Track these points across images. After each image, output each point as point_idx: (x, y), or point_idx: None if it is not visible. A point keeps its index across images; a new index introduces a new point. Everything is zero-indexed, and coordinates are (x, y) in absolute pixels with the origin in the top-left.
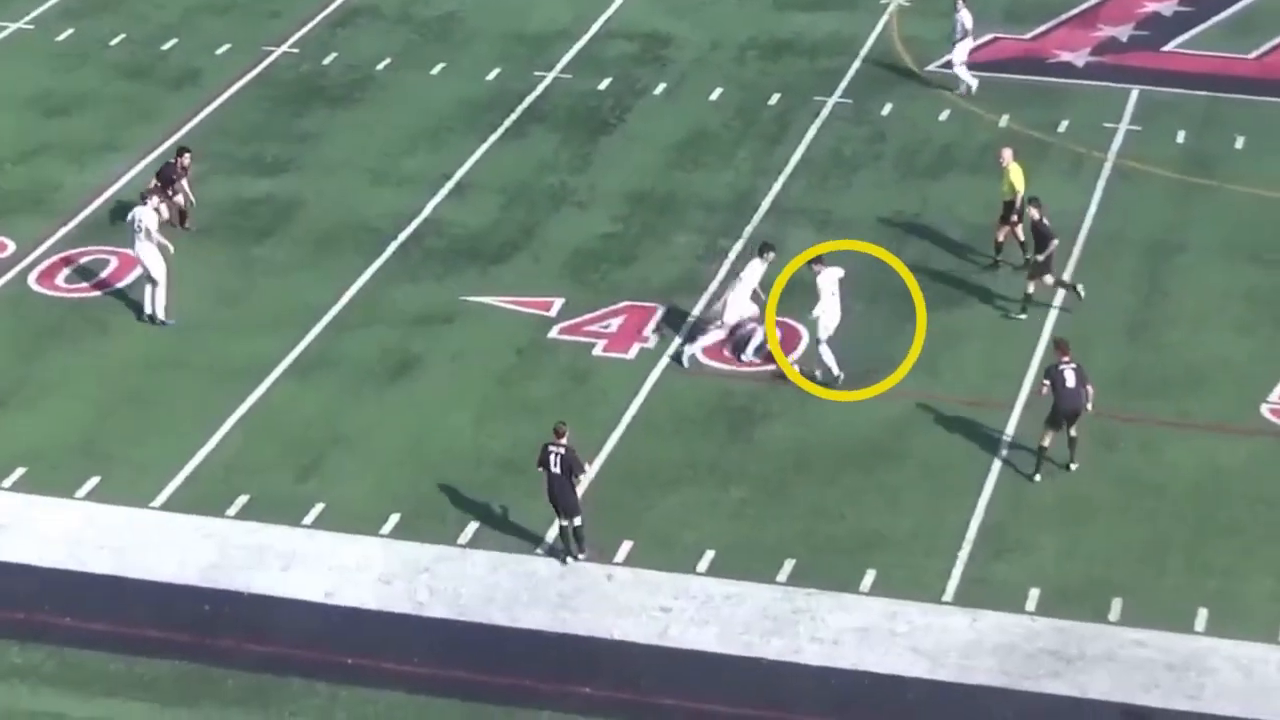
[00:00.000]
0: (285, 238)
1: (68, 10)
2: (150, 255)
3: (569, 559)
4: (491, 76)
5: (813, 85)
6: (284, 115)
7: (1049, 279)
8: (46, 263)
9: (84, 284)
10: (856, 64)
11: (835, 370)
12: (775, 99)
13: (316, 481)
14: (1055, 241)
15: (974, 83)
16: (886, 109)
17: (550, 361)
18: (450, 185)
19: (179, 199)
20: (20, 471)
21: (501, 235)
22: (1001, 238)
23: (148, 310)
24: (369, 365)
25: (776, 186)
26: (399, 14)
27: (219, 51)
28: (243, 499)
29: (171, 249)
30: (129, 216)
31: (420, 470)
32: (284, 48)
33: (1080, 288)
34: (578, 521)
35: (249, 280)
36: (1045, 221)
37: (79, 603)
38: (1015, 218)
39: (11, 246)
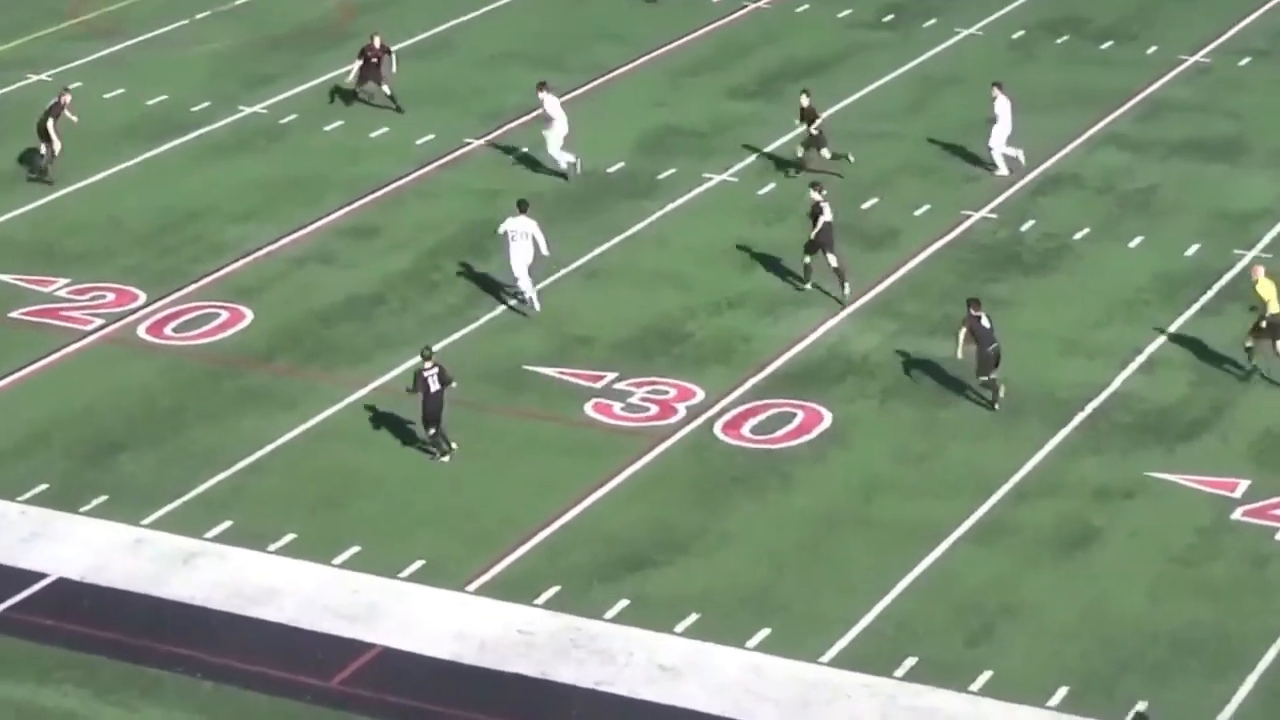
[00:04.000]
0: (969, 401)
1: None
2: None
3: (446, 456)
4: (1190, 252)
5: None
6: (978, 280)
7: (831, 257)
8: (734, 412)
9: (769, 435)
10: None
11: (536, 302)
12: None
13: (986, 648)
14: (825, 219)
15: (1006, 170)
16: None
17: (1232, 543)
18: (1141, 359)
19: None
20: (694, 617)
21: (1190, 413)
22: (1249, 343)
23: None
24: (1047, 535)
25: None
26: (1101, 184)
27: (918, 212)
28: (911, 660)
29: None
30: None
31: (1092, 644)
32: (983, 212)
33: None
34: (442, 427)
35: (934, 442)
36: (823, 203)
37: None
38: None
39: (701, 394)
